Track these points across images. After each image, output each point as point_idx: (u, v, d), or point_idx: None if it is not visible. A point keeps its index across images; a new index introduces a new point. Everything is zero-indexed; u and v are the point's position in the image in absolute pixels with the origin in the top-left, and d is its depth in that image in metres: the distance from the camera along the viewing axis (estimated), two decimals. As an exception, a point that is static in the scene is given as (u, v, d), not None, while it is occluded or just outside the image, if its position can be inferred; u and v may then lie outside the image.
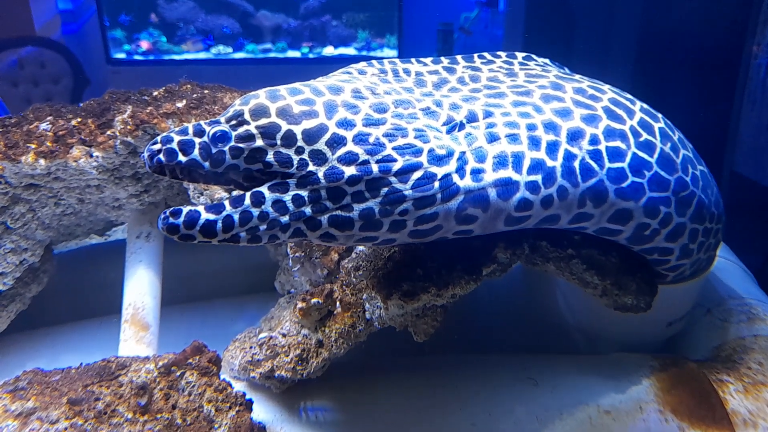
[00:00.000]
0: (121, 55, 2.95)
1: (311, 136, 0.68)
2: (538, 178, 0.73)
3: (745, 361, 0.97)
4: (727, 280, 1.19)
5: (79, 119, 1.05)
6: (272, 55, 3.03)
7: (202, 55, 2.99)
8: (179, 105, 1.06)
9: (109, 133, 1.03)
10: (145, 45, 2.97)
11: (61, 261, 1.31)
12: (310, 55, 3.06)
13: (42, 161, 1.01)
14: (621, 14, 2.08)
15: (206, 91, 1.11)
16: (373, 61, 0.85)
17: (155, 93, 1.12)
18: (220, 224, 0.67)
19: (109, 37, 2.88)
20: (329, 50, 3.07)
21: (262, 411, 0.94)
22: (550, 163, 0.73)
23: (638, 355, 1.02)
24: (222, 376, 0.85)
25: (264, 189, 0.68)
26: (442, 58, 0.88)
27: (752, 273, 1.26)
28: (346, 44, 3.10)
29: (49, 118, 1.06)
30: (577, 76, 0.88)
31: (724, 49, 1.72)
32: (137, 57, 2.96)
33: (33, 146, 1.02)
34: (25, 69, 2.48)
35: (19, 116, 1.08)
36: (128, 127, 1.03)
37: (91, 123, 1.04)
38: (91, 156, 1.03)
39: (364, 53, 3.09)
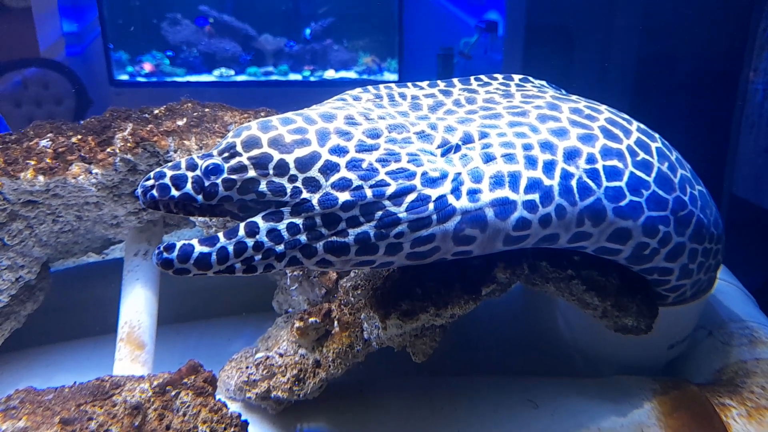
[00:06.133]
0: (125, 77, 2.97)
1: (304, 163, 0.68)
2: (536, 197, 0.73)
3: (748, 385, 0.96)
4: (728, 302, 1.18)
5: (79, 136, 1.05)
6: (274, 77, 3.06)
7: (204, 78, 3.02)
8: (180, 123, 1.07)
9: (109, 150, 1.04)
10: (148, 67, 3.00)
11: (58, 279, 1.30)
12: (312, 78, 3.09)
13: (41, 178, 1.01)
14: (619, 39, 2.10)
15: (207, 110, 1.12)
16: (369, 87, 0.85)
17: (156, 111, 1.12)
18: (214, 256, 0.67)
19: (113, 59, 2.91)
20: (330, 73, 3.10)
21: (257, 432, 0.93)
22: (547, 182, 0.73)
23: (639, 377, 1.01)
24: (218, 397, 0.84)
25: (258, 219, 0.68)
26: (439, 82, 0.89)
27: (752, 294, 1.25)
28: (347, 68, 3.14)
29: (49, 135, 1.06)
30: (574, 97, 0.88)
31: (721, 73, 1.74)
32: (140, 79, 2.99)
33: (32, 163, 1.02)
34: (28, 89, 2.50)
35: (20, 133, 1.09)
36: (128, 144, 1.03)
37: (92, 140, 1.05)
38: (91, 173, 1.03)
39: (365, 77, 3.12)
